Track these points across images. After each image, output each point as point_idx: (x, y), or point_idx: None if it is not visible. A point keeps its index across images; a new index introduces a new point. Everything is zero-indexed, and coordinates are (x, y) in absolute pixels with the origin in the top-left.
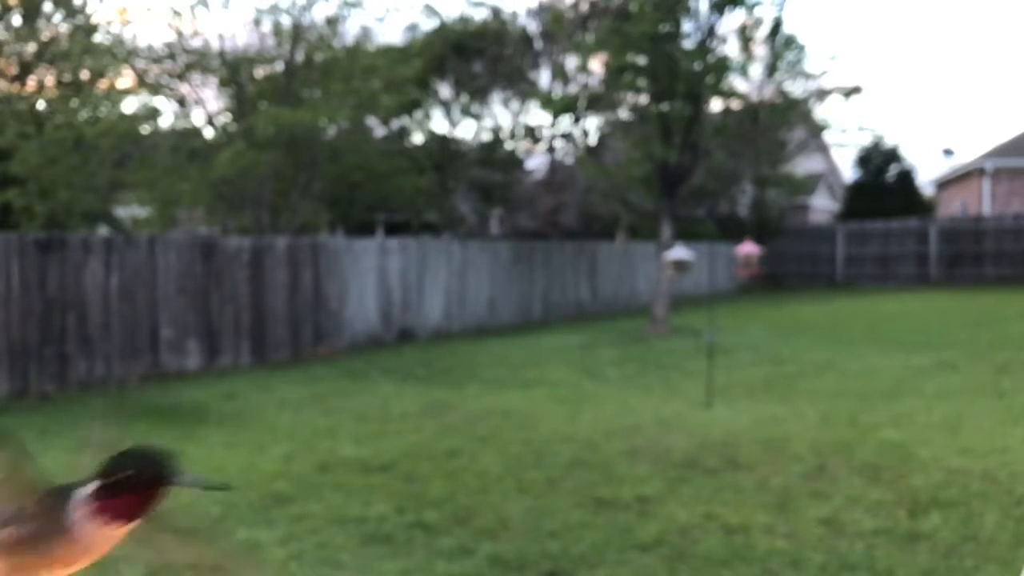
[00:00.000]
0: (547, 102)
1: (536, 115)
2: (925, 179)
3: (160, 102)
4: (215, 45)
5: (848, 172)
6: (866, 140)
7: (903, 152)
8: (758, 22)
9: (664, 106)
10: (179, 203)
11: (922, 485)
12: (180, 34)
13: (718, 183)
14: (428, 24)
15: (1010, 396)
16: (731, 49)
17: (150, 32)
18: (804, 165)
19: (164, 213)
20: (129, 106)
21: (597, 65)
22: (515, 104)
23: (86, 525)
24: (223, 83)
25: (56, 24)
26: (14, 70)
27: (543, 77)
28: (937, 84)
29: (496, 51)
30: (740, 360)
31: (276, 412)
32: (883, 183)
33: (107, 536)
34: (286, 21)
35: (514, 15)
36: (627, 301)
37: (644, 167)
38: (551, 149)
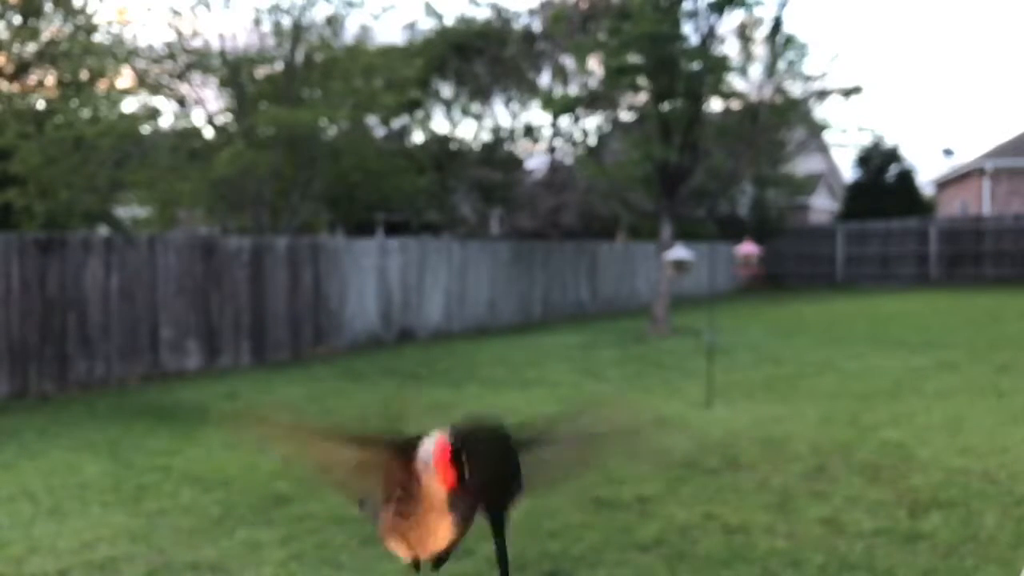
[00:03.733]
0: (547, 102)
1: (536, 115)
2: (925, 179)
3: (160, 102)
4: (215, 45)
5: (848, 172)
6: (866, 140)
7: (903, 152)
8: (758, 22)
9: (664, 106)
10: (179, 203)
11: (922, 485)
12: (180, 34)
13: (718, 183)
14: (428, 23)
15: (1010, 396)
16: (731, 49)
17: (150, 32)
18: (804, 165)
19: (164, 213)
20: (129, 106)
21: (597, 65)
22: (515, 104)
23: (425, 475)
24: (223, 83)
25: (57, 25)
26: (13, 69)
27: (544, 77)
28: (937, 84)
29: (497, 51)
30: (740, 360)
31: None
32: (883, 183)
33: (440, 493)
34: (286, 21)
35: (516, 15)
36: (627, 301)
37: (644, 167)
38: (551, 149)
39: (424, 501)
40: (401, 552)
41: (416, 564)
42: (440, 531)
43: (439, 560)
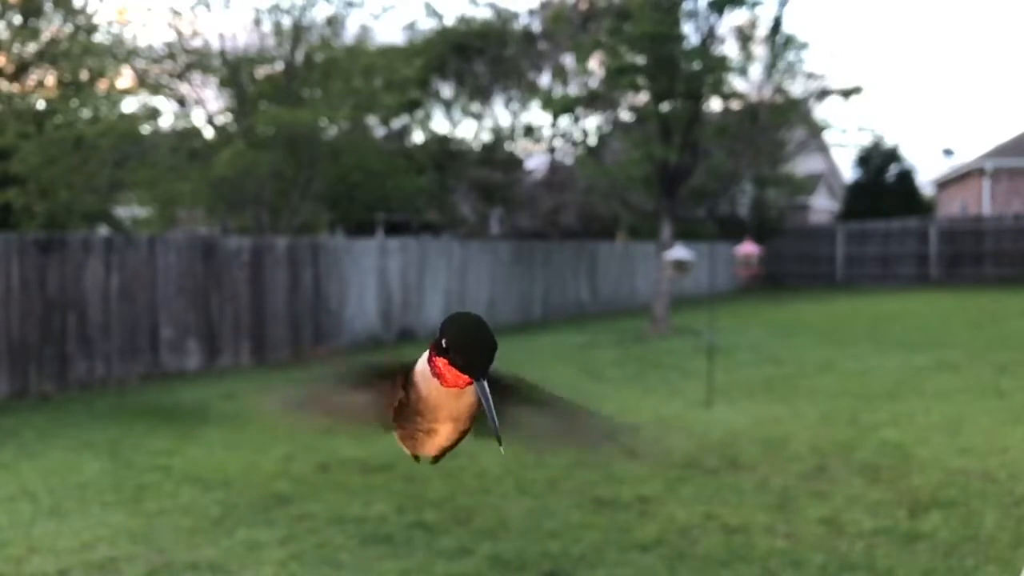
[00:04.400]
0: (547, 102)
1: (536, 115)
2: (925, 179)
3: (160, 102)
4: (215, 45)
5: (848, 172)
6: (866, 140)
7: (903, 152)
8: (757, 21)
9: (664, 106)
10: (179, 203)
11: (922, 485)
12: (180, 34)
13: (718, 183)
14: (428, 23)
15: (1010, 396)
16: (731, 49)
17: (150, 32)
18: (804, 165)
19: (164, 213)
20: (129, 106)
21: (597, 65)
22: (515, 104)
23: (422, 381)
24: (223, 83)
25: (56, 25)
26: (13, 69)
27: (544, 77)
28: (937, 84)
29: (497, 51)
30: (740, 360)
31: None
32: (883, 183)
33: (438, 391)
34: (286, 21)
35: (515, 16)
36: (627, 301)
37: (644, 167)
38: (551, 149)
39: (419, 406)
40: (407, 448)
41: (416, 457)
42: (439, 432)
43: (436, 457)
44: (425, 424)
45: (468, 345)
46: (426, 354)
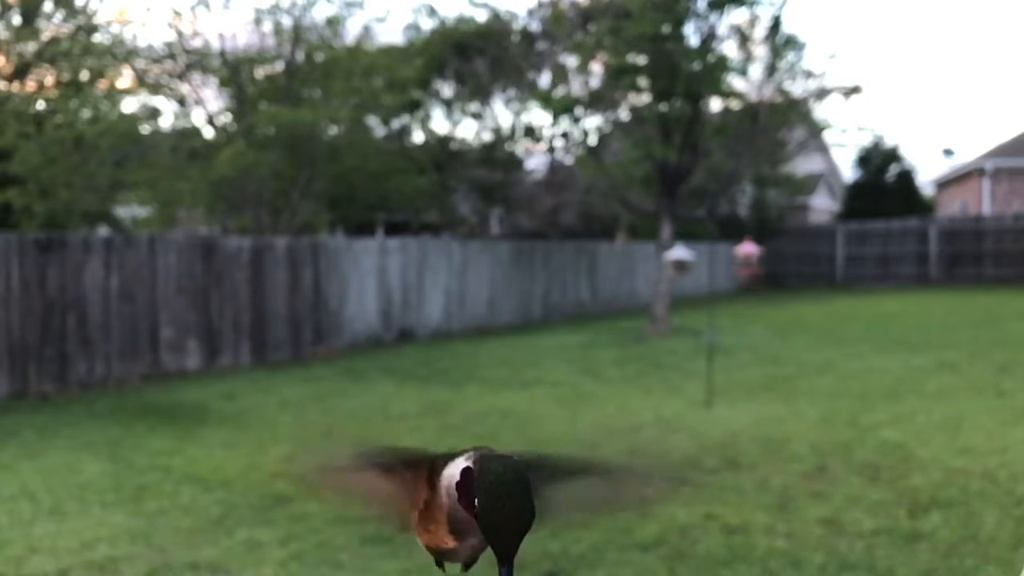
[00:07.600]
0: (547, 102)
1: (536, 115)
2: (925, 179)
3: (160, 102)
4: (215, 45)
5: (848, 172)
6: (866, 140)
7: (903, 152)
8: (757, 20)
9: (664, 106)
10: (179, 203)
11: (922, 485)
12: (180, 34)
13: (718, 183)
14: (429, 24)
15: (1010, 396)
16: (730, 49)
17: (150, 32)
18: (804, 165)
19: (164, 213)
20: (129, 106)
21: (597, 65)
22: (515, 104)
23: (447, 497)
24: (223, 83)
25: (57, 24)
26: (13, 69)
27: (543, 77)
28: (937, 84)
29: (497, 51)
30: (740, 360)
31: (276, 412)
32: (883, 183)
33: (465, 515)
34: (286, 21)
35: (514, 15)
36: (627, 301)
37: (644, 167)
38: (551, 149)
39: (444, 519)
40: (432, 552)
41: (440, 564)
42: (460, 549)
43: (466, 565)
44: (452, 534)
45: (497, 526)
46: (456, 466)
